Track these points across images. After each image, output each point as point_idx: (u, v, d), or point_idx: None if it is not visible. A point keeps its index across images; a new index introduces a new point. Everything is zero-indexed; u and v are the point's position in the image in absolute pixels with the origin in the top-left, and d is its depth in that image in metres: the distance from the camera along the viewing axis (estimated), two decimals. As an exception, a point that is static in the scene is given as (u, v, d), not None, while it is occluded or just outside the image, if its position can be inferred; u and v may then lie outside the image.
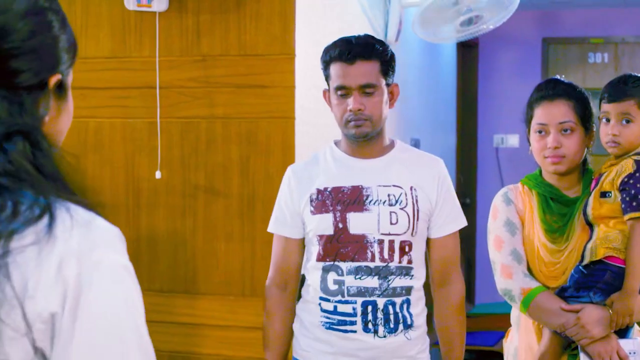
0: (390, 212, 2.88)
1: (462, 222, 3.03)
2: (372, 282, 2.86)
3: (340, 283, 2.88)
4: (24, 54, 1.28)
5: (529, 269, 2.98)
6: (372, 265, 2.86)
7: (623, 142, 2.88)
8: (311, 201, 2.94)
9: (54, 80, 1.33)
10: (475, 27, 4.69)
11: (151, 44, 3.91)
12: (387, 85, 2.93)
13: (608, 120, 2.92)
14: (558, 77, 3.10)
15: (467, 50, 8.18)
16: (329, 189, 2.93)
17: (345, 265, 2.87)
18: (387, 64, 2.92)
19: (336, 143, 3.05)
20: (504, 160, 8.25)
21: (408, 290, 2.90)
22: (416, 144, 5.93)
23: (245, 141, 3.82)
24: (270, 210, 3.06)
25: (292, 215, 2.99)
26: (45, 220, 1.21)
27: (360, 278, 2.86)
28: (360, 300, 2.86)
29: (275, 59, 3.77)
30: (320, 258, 2.92)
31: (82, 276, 1.20)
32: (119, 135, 3.99)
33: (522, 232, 3.01)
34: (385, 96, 2.92)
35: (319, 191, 2.94)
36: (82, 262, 1.20)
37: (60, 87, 1.36)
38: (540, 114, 2.99)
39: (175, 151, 3.91)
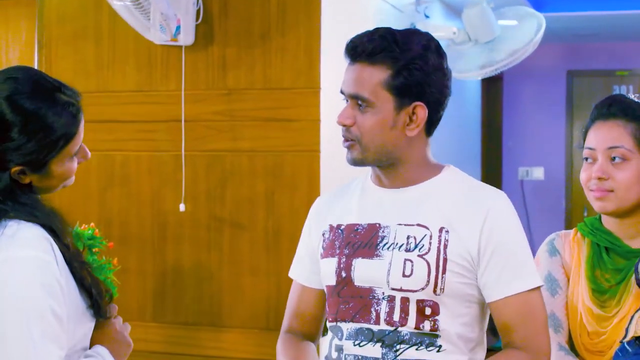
0: (405, 260, 2.12)
1: (532, 281, 2.13)
2: (373, 350, 2.13)
3: (339, 350, 2.18)
4: None
5: (571, 339, 2.34)
6: (375, 328, 2.13)
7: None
8: (323, 241, 2.27)
9: (14, 169, 1.93)
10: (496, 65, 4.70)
11: (177, 78, 3.93)
12: (402, 104, 2.11)
13: None
14: (625, 93, 2.46)
15: (492, 83, 8.17)
16: (342, 227, 2.23)
17: (345, 327, 2.17)
18: (404, 75, 2.10)
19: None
20: (529, 193, 8.20)
21: None
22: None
23: (270, 174, 3.82)
24: (296, 244, 2.69)
25: (312, 258, 2.32)
26: None
27: (359, 345, 2.14)
28: None
29: (301, 93, 3.78)
30: (327, 315, 2.26)
31: None
32: (145, 168, 4.00)
33: (566, 291, 2.35)
34: (392, 118, 2.12)
35: (331, 228, 2.25)
36: None
37: (36, 169, 1.94)
38: (591, 137, 2.34)
39: (200, 184, 3.92)
